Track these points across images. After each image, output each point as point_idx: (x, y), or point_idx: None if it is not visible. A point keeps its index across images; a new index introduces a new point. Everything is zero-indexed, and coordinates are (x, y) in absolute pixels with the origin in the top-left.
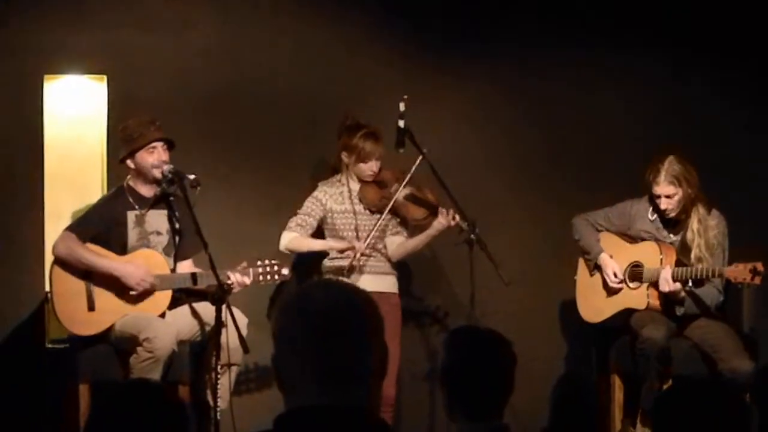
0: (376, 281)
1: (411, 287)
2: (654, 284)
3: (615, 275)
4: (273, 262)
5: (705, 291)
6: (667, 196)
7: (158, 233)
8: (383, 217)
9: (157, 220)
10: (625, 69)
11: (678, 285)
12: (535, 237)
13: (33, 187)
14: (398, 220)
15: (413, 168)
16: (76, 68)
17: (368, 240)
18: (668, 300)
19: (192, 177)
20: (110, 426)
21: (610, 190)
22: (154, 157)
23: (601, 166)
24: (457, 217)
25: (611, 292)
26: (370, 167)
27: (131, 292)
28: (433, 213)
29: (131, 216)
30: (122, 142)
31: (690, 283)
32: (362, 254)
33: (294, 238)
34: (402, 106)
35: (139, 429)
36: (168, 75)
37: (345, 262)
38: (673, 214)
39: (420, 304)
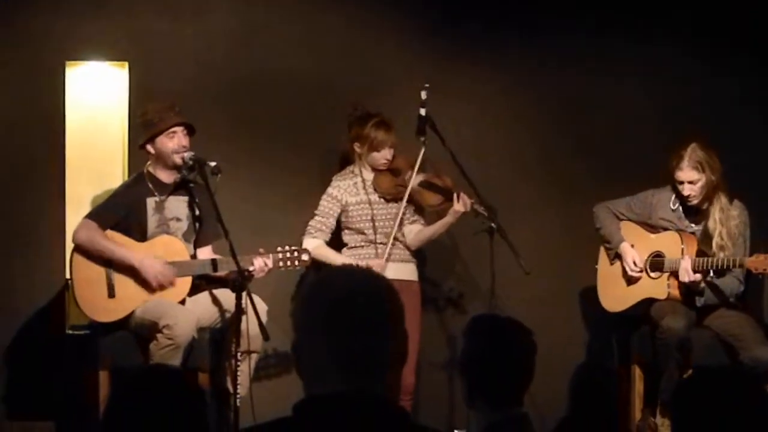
0: (397, 269)
1: (431, 275)
2: (675, 274)
3: (635, 264)
4: (293, 248)
5: (725, 281)
6: (690, 182)
7: (178, 219)
8: (402, 207)
9: (177, 206)
10: (647, 60)
11: (698, 276)
12: (556, 226)
13: (54, 174)
14: (414, 208)
15: (420, 154)
16: (98, 55)
17: (389, 245)
18: (688, 290)
19: (213, 164)
20: (130, 411)
21: (630, 180)
22: (174, 142)
23: (621, 156)
24: (472, 201)
25: (632, 281)
26: (383, 155)
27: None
28: (449, 198)
29: (151, 202)
30: (142, 127)
31: (711, 273)
32: (381, 243)
33: (317, 246)
34: (424, 95)
35: (159, 415)
36: (189, 62)
37: (365, 251)
38: (695, 201)
39: (440, 292)
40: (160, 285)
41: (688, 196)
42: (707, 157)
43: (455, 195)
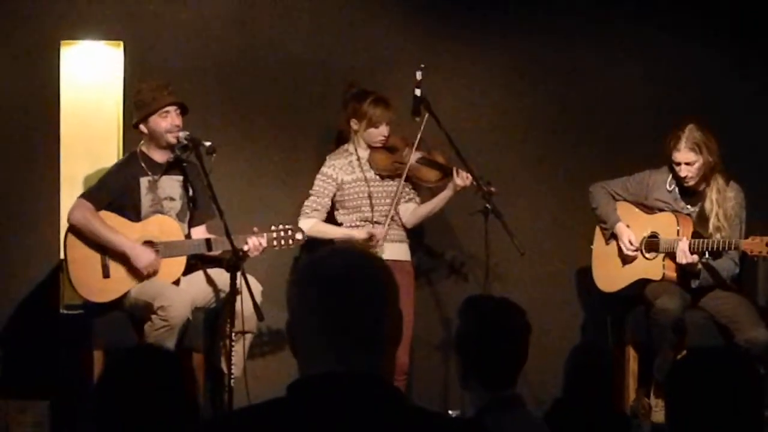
0: (390, 249)
1: (425, 256)
2: (670, 255)
3: (630, 243)
4: (287, 226)
5: (721, 263)
6: (687, 163)
7: (171, 199)
8: (401, 184)
9: (171, 185)
10: (644, 39)
11: (695, 257)
12: (551, 206)
13: (49, 153)
14: (410, 186)
15: (421, 129)
16: (93, 34)
17: (388, 219)
18: (684, 272)
19: (208, 144)
20: (121, 391)
21: (626, 160)
22: (168, 122)
23: (617, 136)
24: (470, 177)
25: (627, 261)
26: (381, 132)
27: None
28: (447, 174)
29: (144, 182)
30: (135, 106)
31: (707, 255)
32: (376, 222)
33: (314, 225)
34: (419, 75)
35: (150, 394)
36: (184, 41)
37: (358, 232)
38: (692, 182)
39: (434, 273)
40: (149, 275)
41: (685, 178)
42: (705, 138)
43: (454, 170)
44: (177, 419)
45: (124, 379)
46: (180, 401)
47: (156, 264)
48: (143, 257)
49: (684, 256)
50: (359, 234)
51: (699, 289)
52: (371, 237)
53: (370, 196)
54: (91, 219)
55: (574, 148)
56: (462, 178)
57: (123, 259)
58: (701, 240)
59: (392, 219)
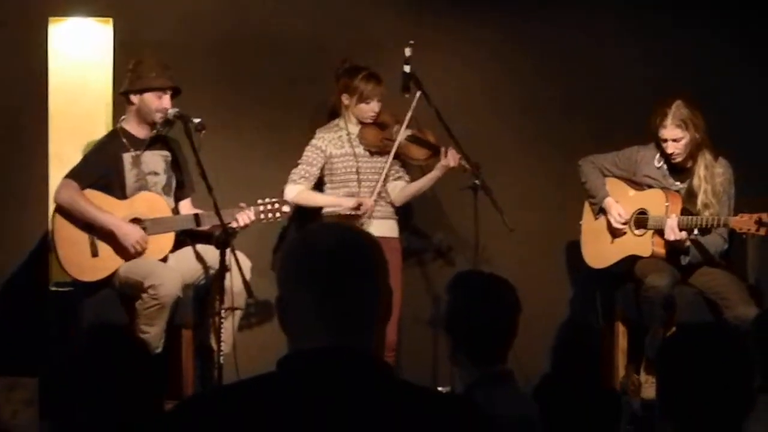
0: (377, 225)
1: (414, 233)
2: (659, 232)
3: (620, 215)
4: (273, 200)
5: (710, 239)
6: (674, 140)
7: (155, 173)
8: (389, 160)
9: (153, 160)
10: (636, 16)
11: (684, 234)
12: (542, 182)
13: (37, 130)
14: (400, 164)
15: (412, 107)
16: (82, 11)
17: (375, 194)
18: (673, 248)
19: (197, 120)
20: (76, 374)
21: (617, 136)
22: (160, 103)
23: (608, 112)
24: (460, 158)
25: (616, 236)
26: (371, 108)
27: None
28: (435, 153)
29: (127, 158)
30: (133, 74)
31: (696, 231)
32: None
33: (301, 191)
34: (408, 52)
35: (104, 374)
36: (174, 18)
37: (346, 201)
38: (679, 159)
39: (423, 249)
40: (137, 252)
41: (672, 154)
42: (691, 114)
43: (443, 150)
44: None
45: (75, 365)
46: (135, 377)
47: (144, 241)
48: (131, 235)
49: (672, 233)
50: (347, 202)
51: (688, 265)
52: (359, 206)
53: (357, 172)
54: (77, 198)
55: (564, 125)
56: (450, 159)
57: (111, 237)
58: (690, 217)
59: (380, 195)
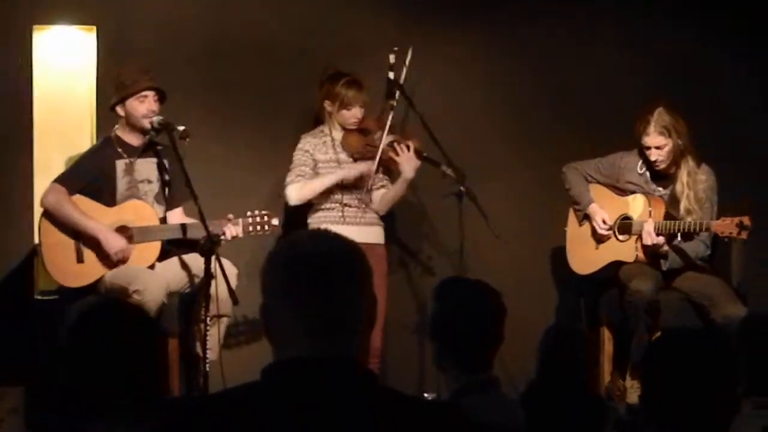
0: (362, 232)
1: (400, 239)
2: (643, 237)
3: (604, 222)
4: (263, 212)
5: (691, 245)
6: (657, 147)
7: (148, 182)
8: (376, 162)
9: (147, 168)
10: (625, 21)
11: (661, 239)
12: (527, 188)
13: (22, 139)
14: (382, 172)
15: (391, 114)
16: (66, 19)
17: (376, 164)
18: (652, 253)
19: (181, 128)
20: (88, 341)
21: (605, 143)
22: (145, 106)
23: (594, 118)
24: (442, 165)
25: (601, 242)
26: (353, 114)
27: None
28: (418, 159)
29: (120, 164)
30: (114, 88)
31: (678, 237)
32: (346, 205)
33: (303, 185)
34: (392, 58)
35: (111, 343)
36: (158, 26)
37: (332, 214)
38: (663, 166)
39: (408, 255)
40: (119, 261)
41: (655, 161)
42: (673, 121)
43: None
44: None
45: (89, 331)
46: (139, 351)
47: (127, 251)
48: (114, 243)
49: (649, 237)
50: (351, 171)
51: (669, 270)
52: (363, 176)
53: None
54: (63, 203)
55: (551, 131)
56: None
57: (96, 244)
58: (671, 222)
59: (359, 200)
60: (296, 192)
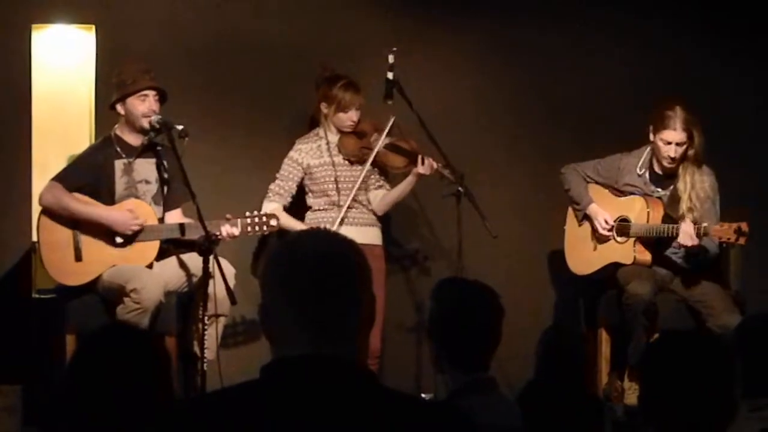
0: (360, 233)
1: (397, 239)
2: (641, 239)
3: (606, 222)
4: (261, 213)
5: (708, 243)
6: (678, 144)
7: (147, 182)
8: (366, 168)
9: (146, 168)
10: (622, 24)
11: (698, 239)
12: (525, 189)
13: (20, 138)
14: (379, 171)
15: (392, 119)
16: (64, 18)
17: (347, 205)
18: (688, 254)
19: (180, 127)
20: (94, 370)
21: (601, 142)
22: (145, 106)
23: (593, 120)
24: (437, 165)
25: (599, 243)
26: (350, 117)
27: (118, 239)
28: (414, 161)
29: (119, 165)
30: (115, 86)
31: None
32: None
33: (275, 209)
34: (391, 58)
35: (124, 375)
36: (157, 26)
37: (329, 215)
38: (674, 164)
39: (406, 256)
40: (133, 231)
41: (673, 158)
42: (694, 120)
43: (419, 158)
44: (151, 399)
45: (96, 359)
46: (153, 381)
47: (134, 220)
48: (119, 220)
49: (690, 239)
50: None
51: (674, 270)
52: None
53: (336, 181)
54: (61, 197)
55: (548, 131)
56: (428, 167)
57: (99, 233)
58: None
59: (360, 203)
60: (268, 212)
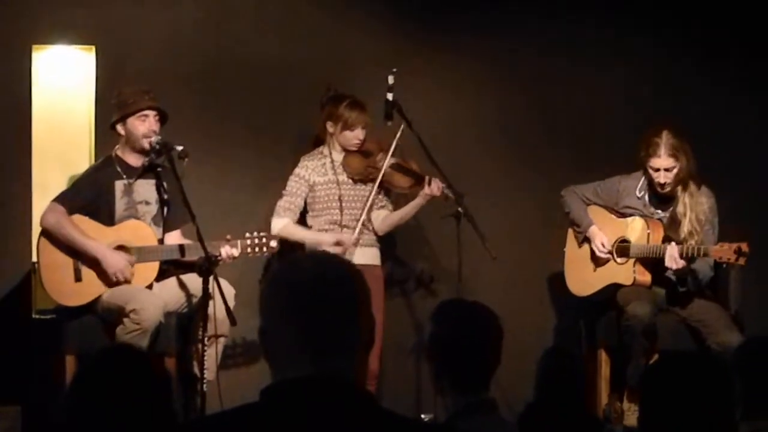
0: (359, 253)
1: (397, 260)
2: (641, 260)
3: (603, 245)
4: (261, 234)
5: (700, 266)
6: (666, 170)
7: (147, 203)
8: (374, 188)
9: (146, 189)
10: (619, 46)
11: (682, 262)
12: (525, 210)
13: (20, 158)
14: (382, 194)
15: (397, 136)
16: (65, 39)
17: (358, 229)
18: (677, 277)
19: (180, 148)
20: (93, 391)
21: (600, 166)
22: (145, 126)
23: (591, 141)
24: (444, 187)
25: (599, 265)
26: (356, 135)
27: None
28: (419, 182)
29: (119, 185)
30: (115, 107)
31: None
32: (345, 226)
33: (285, 225)
34: (391, 79)
35: (124, 397)
36: (156, 47)
37: (327, 237)
38: (668, 189)
39: (406, 277)
40: (119, 281)
41: (663, 184)
42: (681, 144)
43: (426, 179)
44: (151, 422)
45: (97, 381)
46: (153, 403)
47: (127, 270)
48: (115, 262)
49: (674, 261)
50: (328, 239)
51: (674, 292)
52: (339, 243)
53: (340, 199)
54: (63, 223)
55: (548, 152)
56: (434, 188)
57: (95, 264)
58: (684, 245)
59: (363, 224)
60: (278, 227)
